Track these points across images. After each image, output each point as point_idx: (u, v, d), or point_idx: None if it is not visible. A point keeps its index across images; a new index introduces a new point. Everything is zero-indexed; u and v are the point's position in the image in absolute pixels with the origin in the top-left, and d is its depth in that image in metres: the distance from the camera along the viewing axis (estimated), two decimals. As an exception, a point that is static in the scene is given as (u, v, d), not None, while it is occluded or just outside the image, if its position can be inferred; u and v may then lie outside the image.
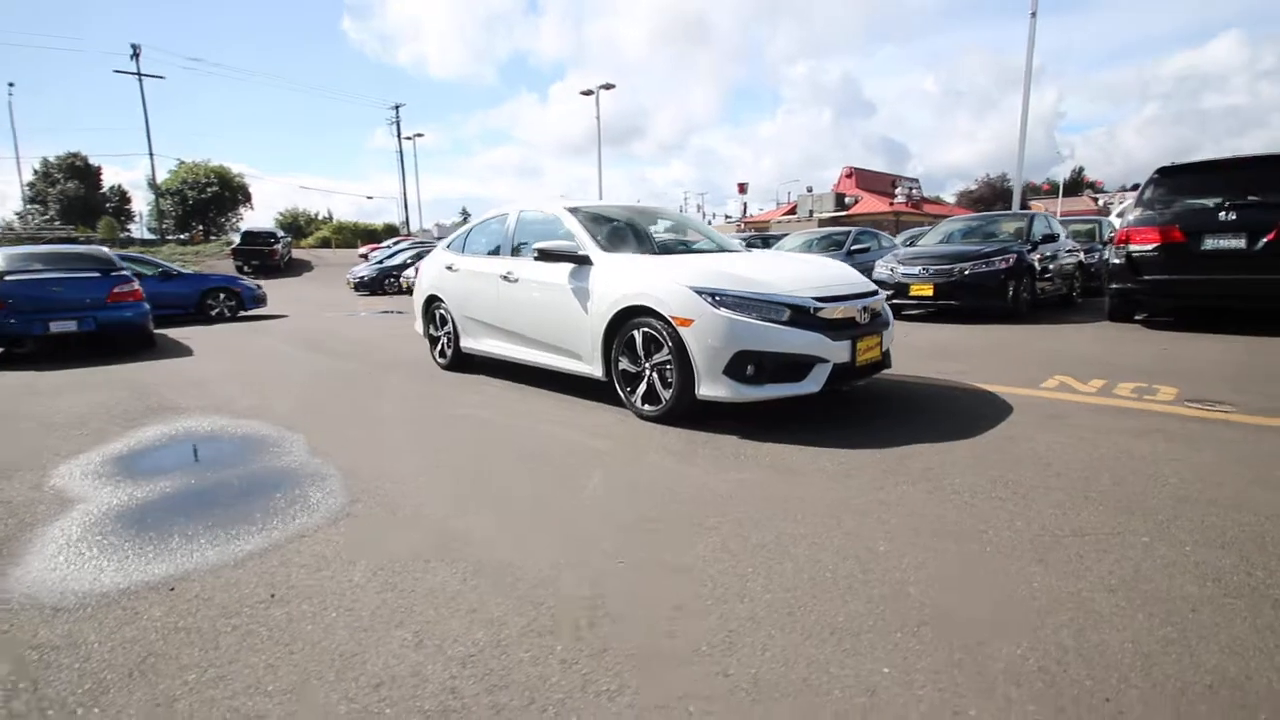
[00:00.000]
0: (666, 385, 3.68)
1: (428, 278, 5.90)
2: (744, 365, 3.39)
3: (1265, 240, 5.84)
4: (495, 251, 5.20)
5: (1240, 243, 6.00)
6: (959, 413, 3.79)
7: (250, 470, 3.20)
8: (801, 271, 3.91)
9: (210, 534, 2.44)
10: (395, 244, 26.76)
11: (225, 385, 5.46)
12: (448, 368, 5.78)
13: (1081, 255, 10.03)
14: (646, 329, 3.71)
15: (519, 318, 4.80)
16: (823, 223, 34.00)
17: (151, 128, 35.60)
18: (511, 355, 4.98)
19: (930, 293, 8.02)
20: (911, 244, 10.46)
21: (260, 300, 12.49)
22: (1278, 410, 3.58)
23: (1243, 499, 2.44)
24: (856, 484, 2.73)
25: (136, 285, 7.77)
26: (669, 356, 3.60)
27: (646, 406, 3.80)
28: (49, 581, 2.12)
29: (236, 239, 29.48)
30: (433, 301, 5.83)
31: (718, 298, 3.46)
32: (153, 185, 38.56)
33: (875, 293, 3.93)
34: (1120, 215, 13.96)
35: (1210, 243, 6.17)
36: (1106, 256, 11.16)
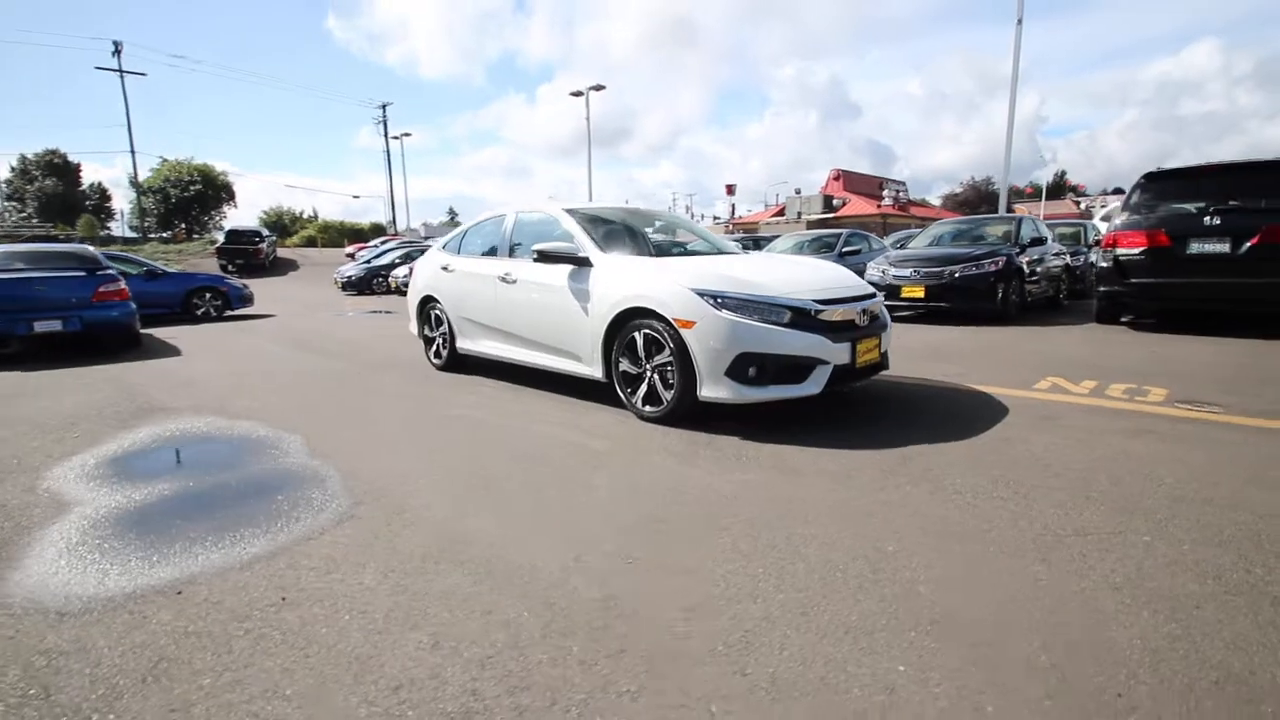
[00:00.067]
0: (668, 386, 3.69)
1: (423, 278, 5.87)
2: (746, 367, 3.41)
3: (1249, 244, 5.96)
4: (492, 252, 5.18)
5: (1225, 247, 6.12)
6: (956, 414, 3.83)
7: (249, 472, 3.17)
8: (801, 274, 3.94)
9: (214, 537, 2.42)
10: (383, 243, 26.59)
11: (216, 385, 5.40)
12: (443, 368, 5.75)
13: (1068, 258, 10.17)
14: (648, 331, 3.72)
15: (516, 319, 4.79)
16: (811, 224, 34.21)
17: (133, 125, 35.07)
18: (508, 356, 4.97)
19: (921, 295, 8.10)
20: (902, 246, 10.56)
21: (247, 300, 12.36)
22: (1266, 411, 3.66)
23: (1238, 498, 2.49)
24: (859, 485, 2.76)
25: (123, 284, 7.65)
26: (670, 358, 3.62)
27: (648, 408, 3.80)
28: (51, 586, 2.09)
29: (220, 238, 29.14)
30: (428, 302, 5.80)
31: (719, 300, 3.48)
32: (134, 183, 37.98)
33: (873, 295, 3.97)
34: (1105, 219, 14.20)
35: (1196, 247, 6.29)
36: (1093, 260, 11.37)
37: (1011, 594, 1.88)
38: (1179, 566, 2.01)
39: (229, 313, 12.11)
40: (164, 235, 39.36)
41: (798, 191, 44.01)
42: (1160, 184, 6.90)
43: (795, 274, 3.92)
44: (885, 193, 42.06)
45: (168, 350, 7.67)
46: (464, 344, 5.44)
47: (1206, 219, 6.25)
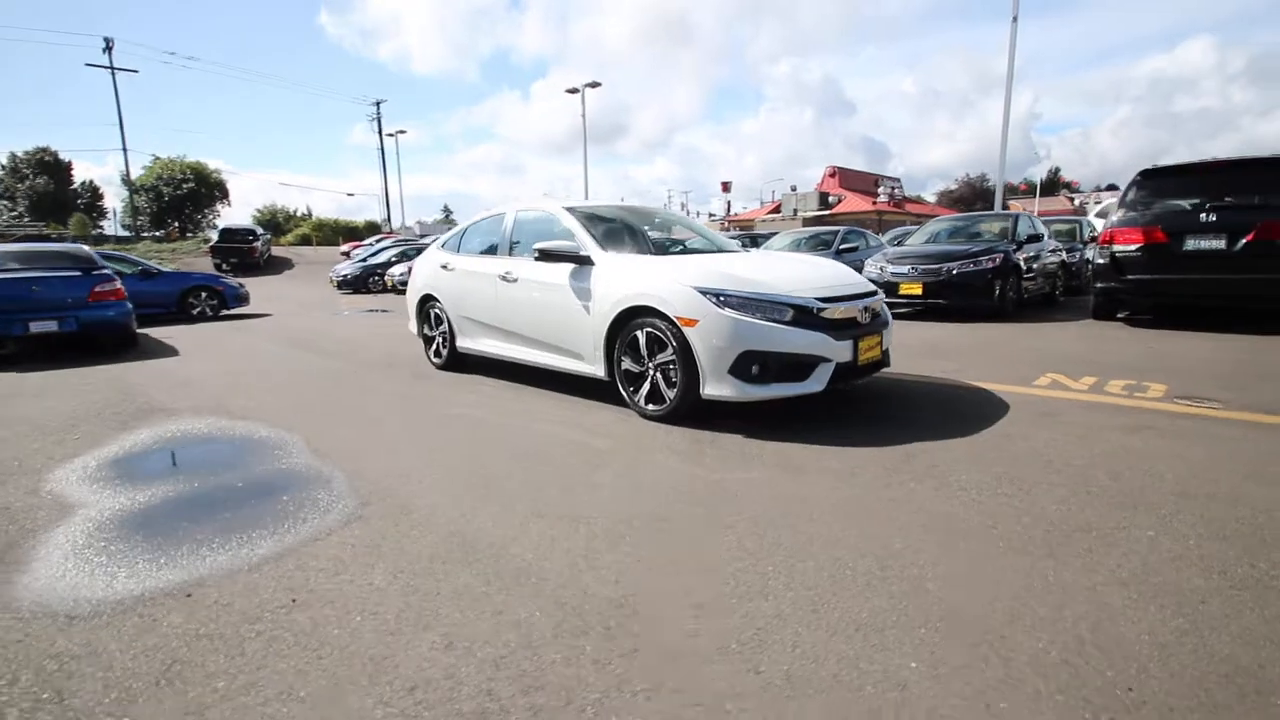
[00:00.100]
0: (670, 385, 3.69)
1: (422, 277, 5.86)
2: (749, 365, 3.42)
3: (1244, 241, 6.01)
4: (492, 251, 5.18)
5: (1220, 243, 6.16)
6: (957, 411, 3.85)
7: (253, 473, 3.16)
8: (802, 272, 3.95)
9: (220, 538, 2.41)
10: (378, 242, 26.50)
11: (215, 385, 5.38)
12: (442, 367, 5.74)
13: (1064, 255, 10.22)
14: (650, 329, 3.72)
15: (517, 318, 4.79)
16: (807, 221, 34.25)
17: (125, 123, 34.81)
18: (509, 355, 4.97)
19: (919, 291, 8.13)
20: (899, 243, 10.59)
21: (243, 299, 12.30)
22: (1263, 407, 3.69)
23: (1239, 494, 2.51)
24: (864, 482, 2.77)
25: (119, 284, 7.61)
26: (673, 356, 3.62)
27: (650, 406, 3.81)
28: (59, 589, 2.08)
29: (214, 236, 28.97)
30: (427, 301, 5.79)
31: (722, 298, 3.49)
32: (127, 181, 37.74)
33: (875, 293, 3.99)
34: (1101, 215, 14.27)
35: (1191, 243, 6.33)
36: (1090, 256, 11.42)
37: (1019, 590, 1.89)
38: (1184, 561, 2.03)
39: (225, 312, 12.05)
40: (157, 234, 39.12)
41: (793, 188, 44.07)
42: (1156, 181, 6.93)
43: (797, 272, 3.92)
44: (880, 190, 42.14)
45: (165, 350, 7.63)
46: (464, 343, 5.43)
47: (1202, 216, 6.29)
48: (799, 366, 3.46)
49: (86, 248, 8.77)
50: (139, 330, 8.52)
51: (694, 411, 3.68)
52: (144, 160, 44.15)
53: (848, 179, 44.32)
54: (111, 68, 33.67)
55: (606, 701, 1.47)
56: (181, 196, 41.47)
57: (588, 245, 4.26)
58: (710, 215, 54.04)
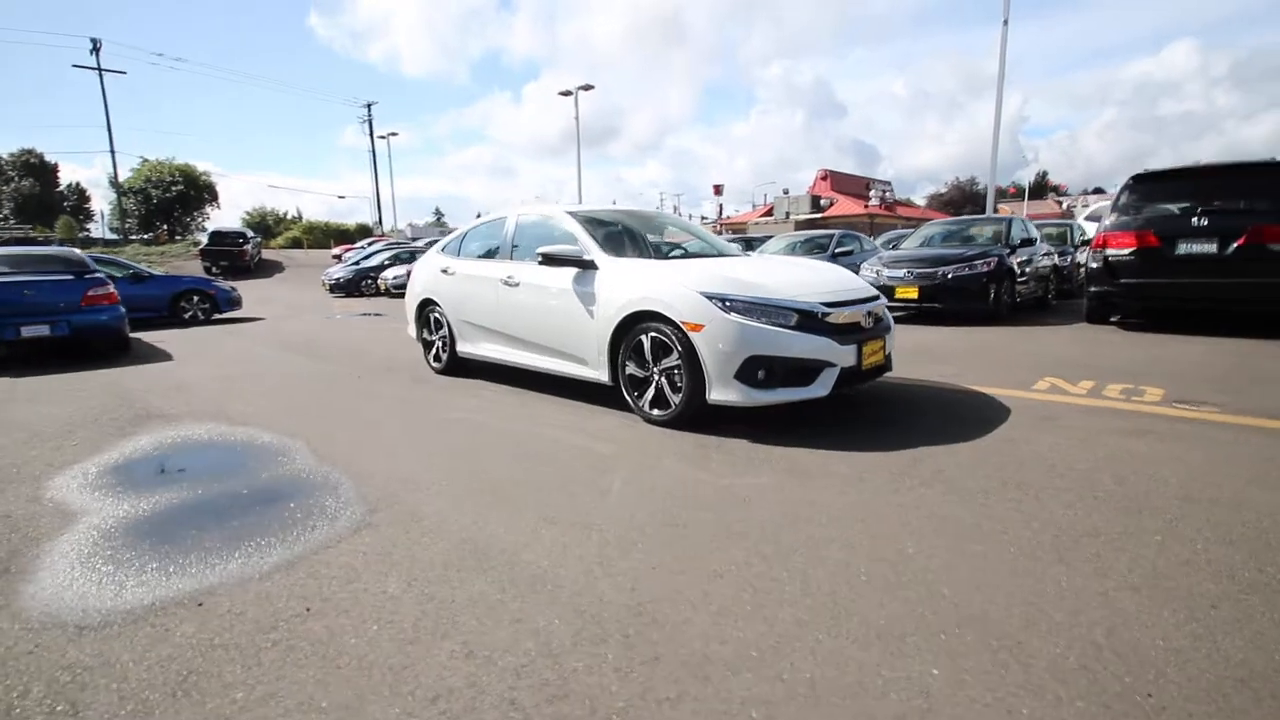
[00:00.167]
0: (675, 390, 3.70)
1: (421, 281, 5.84)
2: (755, 370, 3.43)
3: (1236, 245, 6.09)
4: (493, 255, 5.17)
5: (1212, 247, 6.24)
6: (959, 415, 3.88)
7: (258, 479, 3.14)
8: (806, 277, 3.97)
9: (229, 546, 2.39)
10: (370, 244, 26.37)
11: (211, 390, 5.34)
12: (442, 372, 5.72)
13: (1056, 258, 10.32)
14: (655, 334, 3.73)
15: (519, 322, 4.78)
16: (799, 225, 34.41)
17: (113, 125, 34.50)
18: (511, 360, 4.96)
19: (915, 295, 8.18)
20: (894, 247, 10.66)
21: (235, 303, 12.22)
22: (1260, 411, 3.73)
23: (1243, 498, 2.55)
24: (872, 487, 2.79)
25: (111, 288, 7.54)
26: (678, 361, 3.63)
27: (655, 411, 3.81)
28: (67, 599, 2.06)
29: (204, 239, 28.75)
30: (427, 305, 5.77)
31: (728, 303, 3.50)
32: (115, 183, 37.35)
33: (877, 297, 4.01)
34: (1091, 219, 14.42)
35: (1184, 247, 6.41)
36: (1082, 260, 11.54)
37: (1033, 595, 1.91)
38: (1192, 566, 2.06)
39: (217, 316, 11.96)
40: (145, 237, 38.75)
41: (786, 192, 44.23)
42: (1148, 185, 7.02)
43: (800, 276, 3.94)
44: (872, 193, 42.40)
45: (158, 355, 7.56)
46: (464, 347, 5.42)
47: (1194, 220, 6.37)
48: (804, 371, 3.48)
49: (78, 251, 8.68)
50: (130, 334, 8.44)
51: (699, 417, 3.68)
52: (132, 162, 43.88)
53: (839, 182, 44.56)
54: (99, 69, 33.36)
55: (631, 711, 1.47)
56: (170, 199, 41.13)
57: (591, 249, 4.27)
58: (703, 218, 54.12)
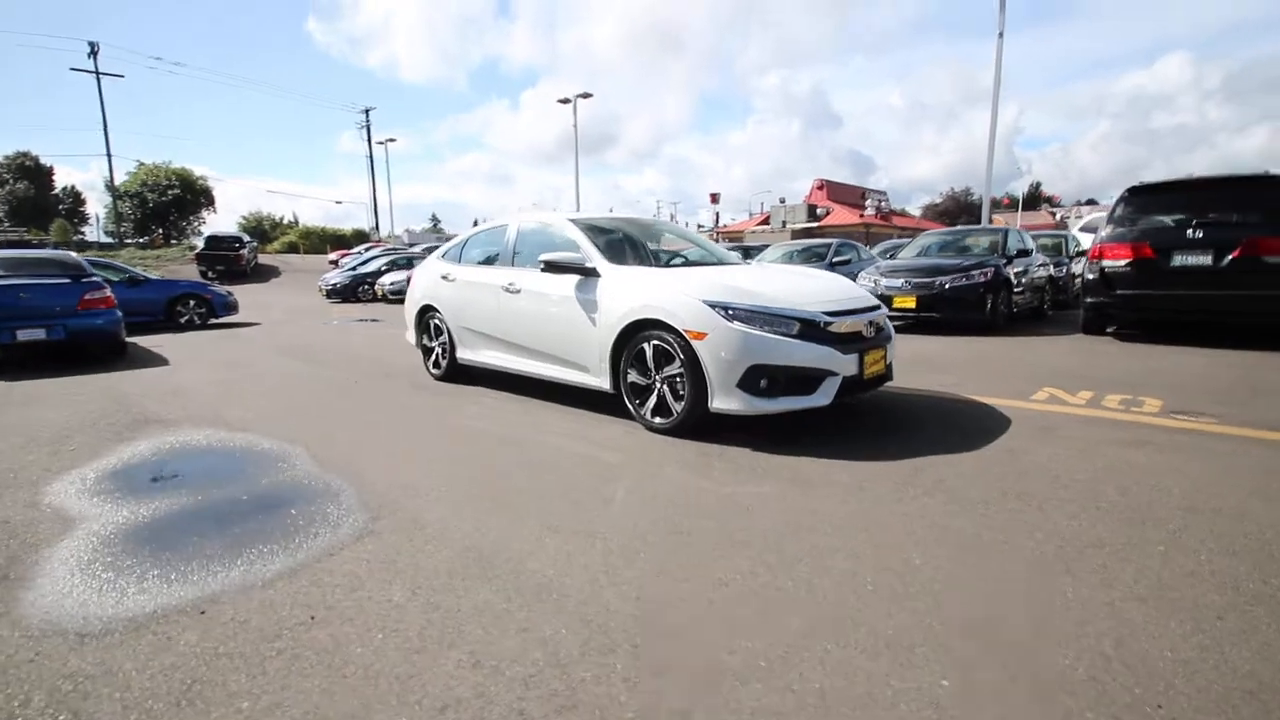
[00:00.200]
0: (677, 398, 3.70)
1: (421, 287, 5.83)
2: (758, 378, 3.43)
3: (1231, 257, 6.14)
4: (494, 261, 5.17)
5: (1207, 259, 6.30)
6: (960, 425, 3.89)
7: (258, 485, 3.12)
8: (807, 286, 3.98)
9: (230, 553, 2.37)
10: (367, 250, 26.36)
11: (209, 395, 5.31)
12: (442, 378, 5.71)
13: (1051, 269, 10.38)
14: (658, 341, 3.73)
15: (520, 329, 4.78)
16: (796, 233, 34.56)
17: (110, 128, 34.45)
18: (512, 367, 4.95)
19: (913, 305, 8.21)
20: (892, 256, 10.71)
21: (231, 307, 12.18)
22: (1259, 422, 3.76)
23: (1244, 510, 2.56)
24: (875, 496, 2.79)
25: (108, 292, 7.50)
26: (681, 369, 3.63)
27: (657, 419, 3.81)
28: (67, 606, 2.04)
29: (199, 243, 28.68)
30: (427, 311, 5.76)
31: (730, 311, 3.51)
32: (110, 187, 37.26)
33: (878, 307, 4.03)
34: (1086, 230, 14.53)
35: (1179, 259, 6.47)
36: (1078, 270, 11.61)
37: (1040, 606, 1.91)
38: (1197, 577, 2.06)
39: (213, 321, 11.91)
40: (140, 240, 38.61)
41: (782, 200, 44.46)
42: (1143, 197, 7.08)
43: (802, 285, 3.95)
44: (867, 203, 42.67)
45: (154, 359, 7.53)
46: (465, 354, 5.41)
47: (1189, 232, 6.43)
48: (806, 380, 3.48)
49: (75, 254, 8.64)
50: (127, 339, 8.39)
51: (700, 425, 3.68)
52: (128, 166, 43.75)
53: (835, 192, 44.81)
54: (96, 72, 33.35)
55: (641, 721, 1.46)
56: (166, 203, 40.99)
57: (593, 257, 4.27)
58: (700, 226, 54.31)
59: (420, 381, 5.74)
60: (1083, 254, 12.13)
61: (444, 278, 5.52)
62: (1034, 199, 72.09)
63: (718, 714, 1.48)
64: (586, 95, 28.79)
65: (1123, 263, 6.82)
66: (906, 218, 49.63)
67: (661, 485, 3.02)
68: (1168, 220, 6.76)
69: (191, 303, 11.67)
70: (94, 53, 33.14)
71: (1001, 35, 16.51)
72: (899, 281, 8.44)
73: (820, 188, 44.98)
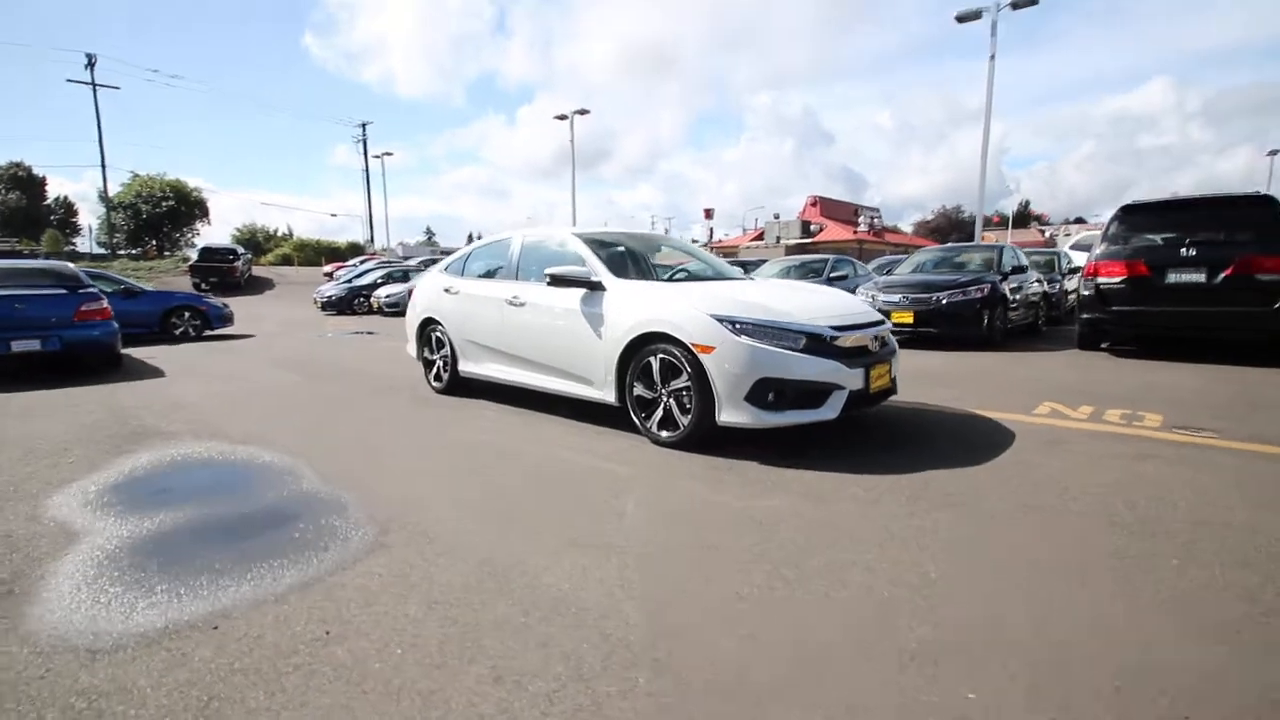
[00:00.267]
0: (684, 411, 3.70)
1: (423, 300, 5.83)
2: (766, 392, 3.44)
3: (1224, 275, 6.23)
4: (498, 275, 5.18)
5: (1200, 277, 6.39)
6: (966, 438, 3.90)
7: (264, 499, 3.08)
8: (812, 300, 4.01)
9: (239, 568, 2.34)
10: (362, 263, 26.32)
11: (207, 407, 5.26)
12: (443, 391, 5.68)
13: (1045, 285, 10.49)
14: (665, 355, 3.74)
15: (524, 342, 4.78)
16: (789, 249, 34.80)
17: (105, 140, 34.39)
18: (515, 380, 4.94)
19: (911, 320, 8.27)
20: (888, 272, 10.80)
21: (227, 319, 12.10)
22: (1260, 437, 3.79)
23: (1254, 523, 2.57)
24: (888, 510, 2.79)
25: (105, 303, 7.45)
26: (688, 383, 3.63)
27: (664, 433, 3.81)
28: (75, 622, 2.00)
29: (193, 255, 28.57)
30: (429, 324, 5.75)
31: (738, 325, 3.52)
32: (104, 198, 37.11)
33: (882, 321, 4.06)
34: (1077, 247, 14.71)
35: (1173, 276, 6.56)
36: (1070, 287, 11.74)
37: (1061, 619, 1.91)
38: (1213, 589, 2.07)
39: (208, 332, 11.84)
40: (133, 252, 38.42)
41: (776, 216, 44.82)
42: (1137, 216, 7.19)
43: (808, 300, 3.98)
44: (860, 219, 43.07)
45: (150, 371, 7.46)
46: (467, 367, 5.39)
47: (1183, 250, 6.52)
48: (814, 394, 3.49)
49: (72, 265, 8.59)
50: (121, 350, 8.32)
51: (706, 438, 3.68)
52: (123, 177, 43.58)
53: (829, 208, 45.24)
54: (93, 84, 33.35)
55: (670, 736, 1.45)
56: (160, 214, 40.89)
57: (599, 271, 4.29)
58: (694, 240, 54.59)
59: (421, 395, 5.71)
60: (1074, 271, 12.30)
61: (446, 291, 5.52)
62: (1023, 217, 73.12)
63: (748, 729, 1.46)
64: (584, 112, 29.03)
65: (1118, 280, 6.91)
66: (899, 234, 50.14)
67: (673, 499, 3.01)
68: (1161, 238, 6.87)
69: (187, 314, 11.59)
70: (91, 64, 33.18)
71: (993, 58, 16.82)
72: (896, 297, 8.50)
73: (814, 204, 45.41)
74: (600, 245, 4.68)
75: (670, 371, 3.75)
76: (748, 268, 13.57)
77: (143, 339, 10.77)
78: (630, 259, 4.94)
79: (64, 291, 7.20)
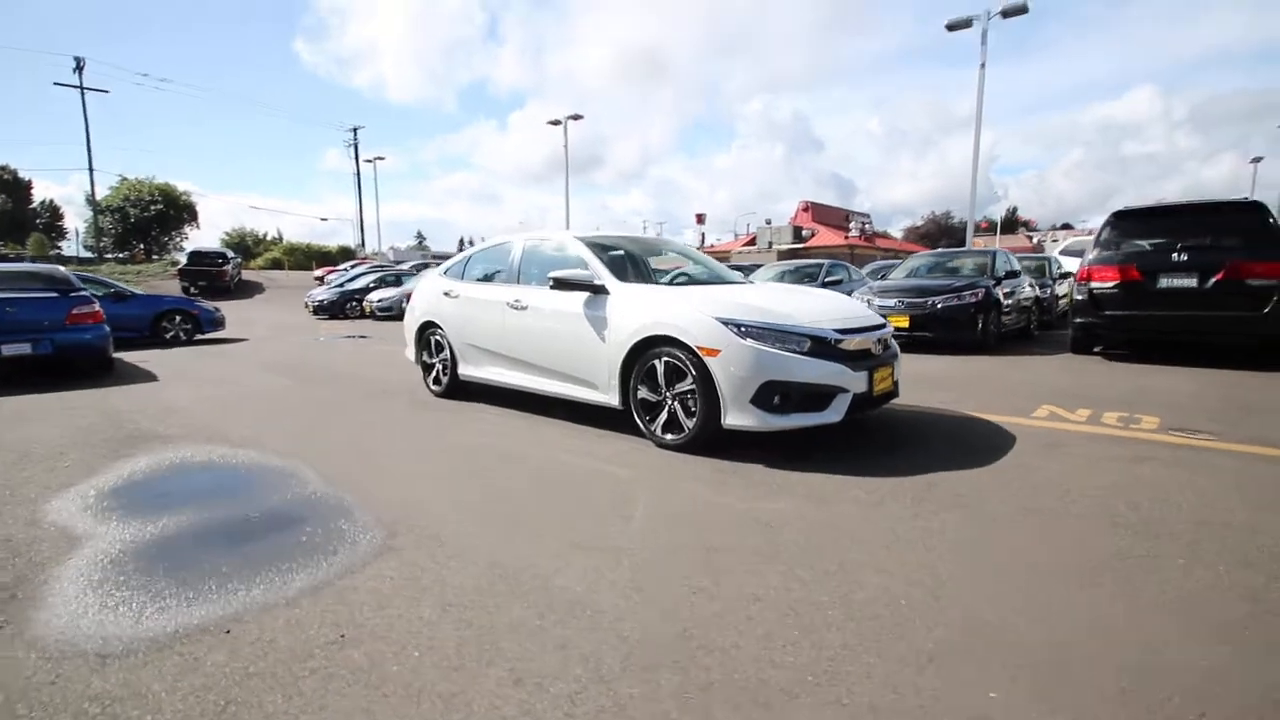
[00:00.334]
0: (689, 414, 3.71)
1: (423, 304, 5.81)
2: (771, 395, 3.45)
3: (1215, 280, 6.33)
4: (499, 279, 5.17)
5: (1192, 281, 6.48)
6: (968, 441, 3.93)
7: (267, 502, 3.06)
8: (816, 304, 4.03)
9: (247, 571, 2.32)
10: (353, 267, 26.19)
11: (202, 411, 5.21)
12: (442, 395, 5.66)
13: (1038, 290, 10.60)
14: (669, 358, 3.75)
15: (526, 345, 4.77)
16: (781, 254, 34.94)
17: (93, 143, 34.06)
18: (516, 383, 4.93)
19: (906, 324, 8.32)
20: (882, 277, 10.87)
21: (218, 323, 12.01)
22: (1257, 439, 3.84)
23: (1256, 523, 2.61)
24: (894, 512, 2.81)
25: (97, 307, 7.37)
26: (693, 386, 3.64)
27: (668, 436, 3.81)
28: (84, 626, 1.98)
29: (182, 258, 28.30)
30: (428, 328, 5.73)
31: (743, 328, 3.54)
32: (92, 201, 36.73)
33: (885, 325, 4.09)
34: (1067, 253, 14.87)
35: (1165, 281, 6.64)
36: (1061, 292, 11.86)
37: (1073, 619, 1.92)
38: (1217, 589, 2.10)
39: (199, 336, 11.74)
40: (120, 255, 38.02)
41: (768, 222, 45.00)
42: (1129, 222, 7.29)
43: (811, 304, 4.00)
44: (852, 224, 43.35)
45: (142, 375, 7.38)
46: (467, 370, 5.38)
47: (1174, 255, 6.62)
48: (819, 397, 3.51)
49: (64, 269, 8.49)
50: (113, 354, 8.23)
51: (711, 441, 3.68)
52: (111, 180, 43.20)
53: (820, 213, 45.50)
54: (81, 87, 33.04)
55: (694, 737, 1.45)
56: (149, 218, 40.44)
57: (602, 274, 4.29)
58: (685, 246, 54.66)
59: (419, 398, 5.69)
60: (1065, 276, 12.44)
61: (446, 294, 5.51)
62: (1011, 223, 73.89)
63: (772, 729, 1.47)
64: (577, 117, 29.08)
65: (1110, 284, 6.99)
66: (889, 240, 50.50)
67: (680, 501, 3.02)
68: (1153, 244, 6.96)
69: (178, 318, 11.49)
70: (80, 68, 32.87)
71: (983, 66, 17.02)
72: (892, 301, 8.56)
73: (805, 209, 45.67)
74: (601, 249, 4.69)
75: (675, 374, 3.76)
76: (744, 272, 13.63)
77: (134, 343, 10.67)
78: (631, 262, 4.95)
79: (55, 295, 7.12)
